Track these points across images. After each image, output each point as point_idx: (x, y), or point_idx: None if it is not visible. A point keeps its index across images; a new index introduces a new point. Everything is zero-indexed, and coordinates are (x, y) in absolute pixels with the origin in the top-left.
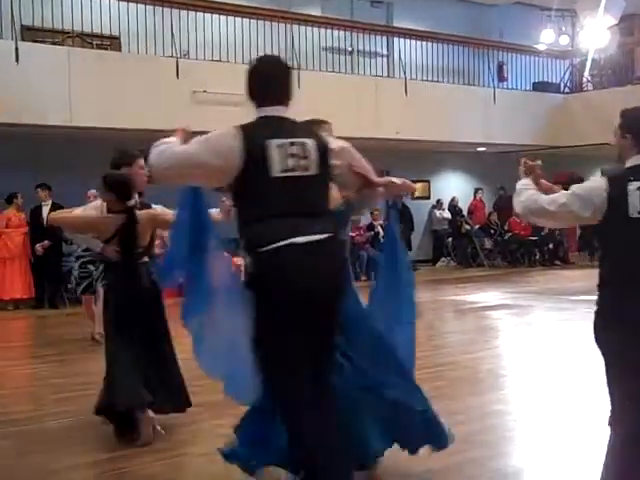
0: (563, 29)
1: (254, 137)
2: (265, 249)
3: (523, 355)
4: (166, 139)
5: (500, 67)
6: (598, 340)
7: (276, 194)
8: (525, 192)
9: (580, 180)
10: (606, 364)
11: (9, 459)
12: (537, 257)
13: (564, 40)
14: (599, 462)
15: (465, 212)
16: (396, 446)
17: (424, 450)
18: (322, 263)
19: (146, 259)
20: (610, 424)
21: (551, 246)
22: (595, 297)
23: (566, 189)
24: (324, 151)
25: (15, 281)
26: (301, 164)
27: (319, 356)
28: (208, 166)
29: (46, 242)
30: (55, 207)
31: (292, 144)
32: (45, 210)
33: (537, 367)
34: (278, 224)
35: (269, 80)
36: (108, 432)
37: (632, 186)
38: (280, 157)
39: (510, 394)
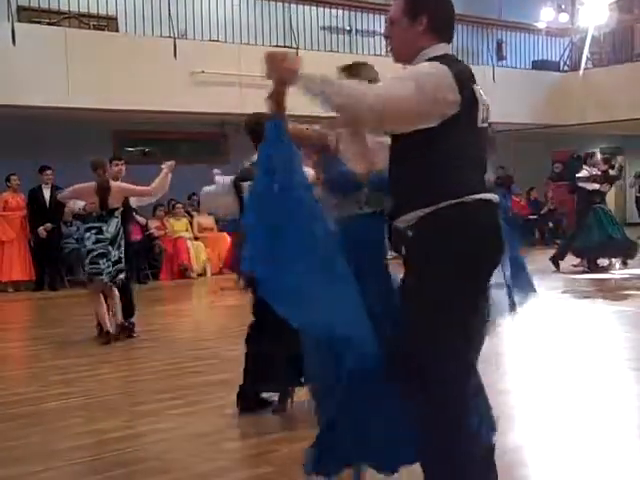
0: (562, 7)
1: (463, 78)
2: (459, 200)
3: (522, 333)
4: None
5: (499, 45)
6: None
7: (477, 148)
8: None
9: (579, 158)
10: None
11: (9, 440)
12: (537, 236)
13: (563, 18)
14: (598, 438)
15: None
16: None
17: None
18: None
19: None
20: None
21: (551, 225)
22: (594, 275)
23: (569, 167)
24: None
25: (14, 263)
26: (486, 115)
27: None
28: (424, 107)
29: (49, 225)
30: (55, 190)
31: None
32: (46, 192)
33: (537, 346)
34: (475, 178)
35: (453, 13)
36: (109, 413)
37: None
38: (482, 105)
39: (510, 373)
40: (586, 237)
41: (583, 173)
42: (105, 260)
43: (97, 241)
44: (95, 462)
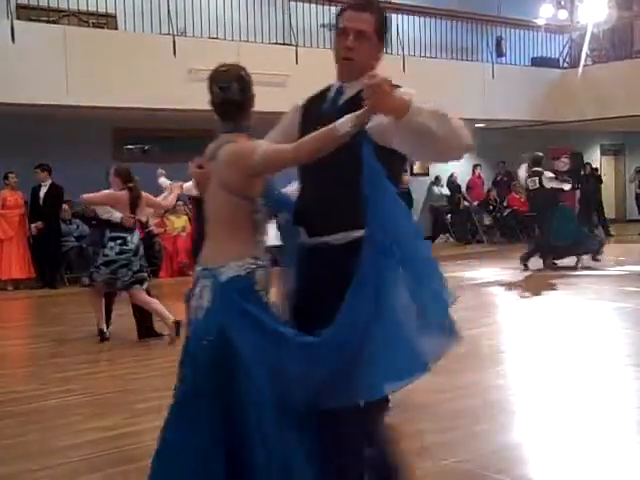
0: (562, 3)
1: None
2: None
3: (523, 331)
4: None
5: (498, 42)
6: None
7: None
8: None
9: (578, 155)
10: None
11: (8, 438)
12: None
13: (563, 14)
14: (598, 435)
15: (464, 188)
16: (394, 419)
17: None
18: None
19: None
20: None
21: None
22: (595, 272)
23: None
24: None
25: (13, 262)
26: None
27: None
28: None
29: (39, 223)
30: (54, 188)
31: None
32: (43, 191)
33: (537, 342)
34: None
35: None
36: (108, 410)
37: None
38: None
39: (510, 369)
40: (559, 235)
41: (549, 175)
42: (126, 270)
43: (121, 252)
44: (94, 460)
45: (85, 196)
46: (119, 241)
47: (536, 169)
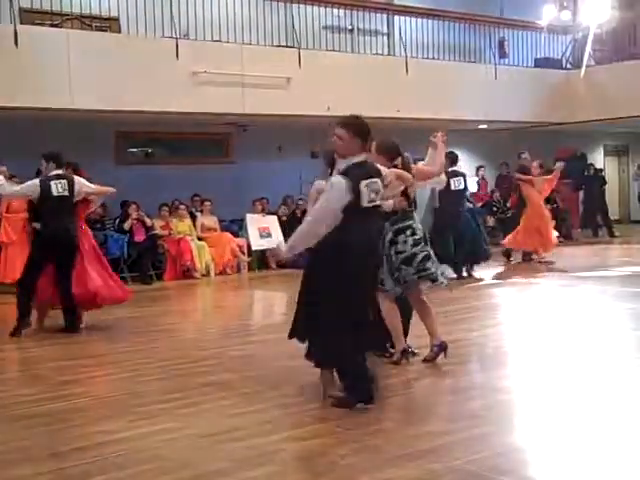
0: (564, 4)
1: None
2: None
3: (528, 332)
4: None
5: (501, 43)
6: None
7: None
8: None
9: (582, 156)
10: None
11: (12, 442)
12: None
13: (565, 15)
14: (604, 434)
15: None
16: (401, 421)
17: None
18: None
19: None
20: None
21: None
22: (600, 273)
23: (571, 165)
24: None
25: (18, 265)
26: None
27: None
28: None
29: None
30: None
31: None
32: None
33: (542, 344)
34: None
35: None
36: (112, 414)
37: None
38: None
39: (516, 371)
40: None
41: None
42: (431, 262)
43: (415, 243)
44: (99, 463)
45: None
46: (409, 232)
47: (455, 169)
